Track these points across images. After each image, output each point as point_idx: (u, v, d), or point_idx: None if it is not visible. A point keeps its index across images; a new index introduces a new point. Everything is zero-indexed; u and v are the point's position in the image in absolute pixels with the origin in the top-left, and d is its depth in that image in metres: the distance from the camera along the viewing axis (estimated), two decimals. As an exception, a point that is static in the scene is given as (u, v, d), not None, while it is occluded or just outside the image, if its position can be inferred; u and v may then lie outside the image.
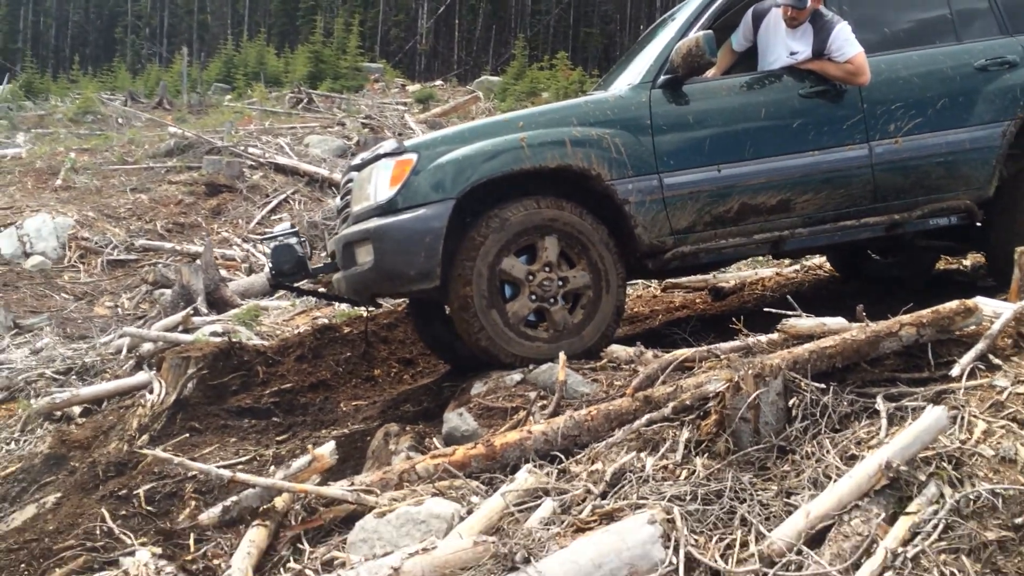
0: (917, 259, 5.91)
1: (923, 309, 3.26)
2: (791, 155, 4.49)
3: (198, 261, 7.95)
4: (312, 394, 5.07)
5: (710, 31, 4.39)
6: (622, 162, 4.31)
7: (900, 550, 2.44)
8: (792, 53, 4.63)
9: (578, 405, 3.52)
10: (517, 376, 3.93)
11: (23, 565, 3.60)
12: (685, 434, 3.14)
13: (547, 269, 4.24)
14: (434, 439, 3.77)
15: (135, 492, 3.96)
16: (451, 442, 3.66)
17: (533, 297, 4.22)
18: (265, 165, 13.02)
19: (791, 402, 3.08)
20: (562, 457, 3.25)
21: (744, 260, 4.73)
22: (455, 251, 4.15)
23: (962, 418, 2.85)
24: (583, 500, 2.90)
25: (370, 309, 5.54)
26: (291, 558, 3.03)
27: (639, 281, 6.43)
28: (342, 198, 4.79)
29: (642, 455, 3.08)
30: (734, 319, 3.67)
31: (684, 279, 6.28)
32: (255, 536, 3.10)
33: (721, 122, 4.49)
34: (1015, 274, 3.81)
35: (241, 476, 3.23)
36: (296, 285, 4.94)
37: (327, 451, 3.40)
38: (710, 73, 4.87)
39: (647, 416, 3.21)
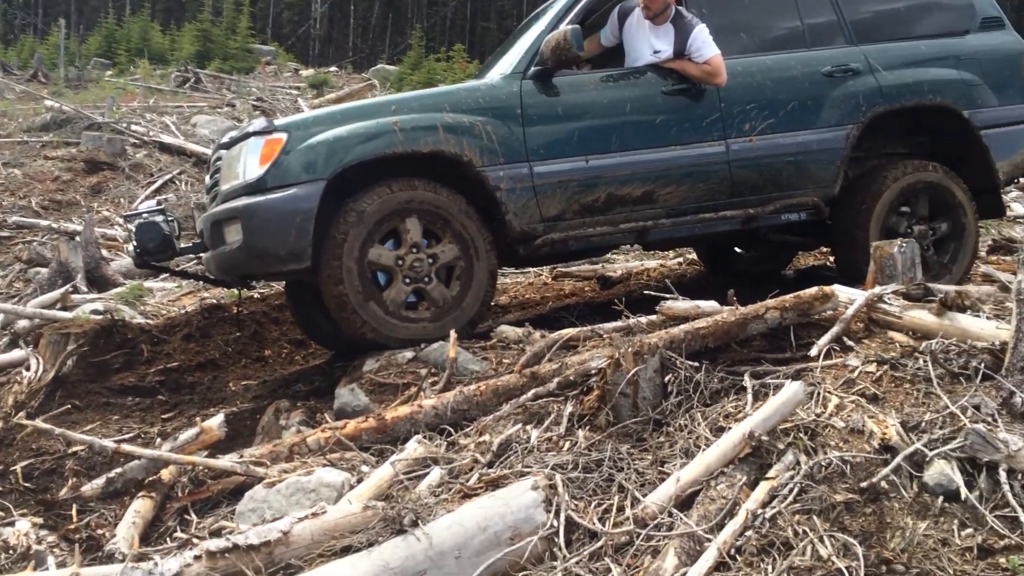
0: (775, 253, 6.28)
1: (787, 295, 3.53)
2: (654, 149, 4.68)
3: (77, 238, 7.67)
4: (200, 373, 5.00)
5: (578, 26, 4.53)
6: (493, 149, 4.40)
7: (759, 511, 2.66)
8: (655, 51, 4.83)
9: (468, 381, 3.64)
10: (409, 353, 4.02)
11: None
12: (569, 408, 3.31)
13: (415, 250, 4.28)
14: (325, 415, 3.82)
15: (12, 468, 3.85)
16: (342, 417, 3.71)
17: (407, 280, 4.27)
18: (150, 144, 12.58)
19: (667, 378, 3.28)
20: (451, 430, 3.36)
21: (612, 249, 4.99)
22: (321, 249, 4.15)
23: (818, 394, 3.11)
24: (470, 469, 3.02)
25: (253, 288, 5.49)
26: (178, 528, 3.04)
27: (531, 269, 6.60)
28: (211, 176, 4.74)
29: (528, 427, 3.22)
30: (616, 302, 3.86)
31: (574, 268, 6.49)
32: (140, 507, 3.09)
33: (589, 114, 4.64)
34: (871, 266, 4.13)
35: (126, 447, 3.21)
36: (163, 264, 4.87)
37: (215, 424, 3.40)
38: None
39: (533, 391, 3.36)
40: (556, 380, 3.36)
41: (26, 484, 3.76)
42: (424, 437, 3.23)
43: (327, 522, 2.63)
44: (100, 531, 2.97)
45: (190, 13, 32.72)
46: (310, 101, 17.17)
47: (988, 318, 3.38)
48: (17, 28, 36.79)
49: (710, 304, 3.65)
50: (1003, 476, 2.64)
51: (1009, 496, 2.60)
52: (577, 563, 2.57)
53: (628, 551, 2.64)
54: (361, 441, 3.37)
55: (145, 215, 4.60)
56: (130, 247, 4.63)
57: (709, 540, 2.59)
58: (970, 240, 5.15)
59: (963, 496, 2.62)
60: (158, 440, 3.47)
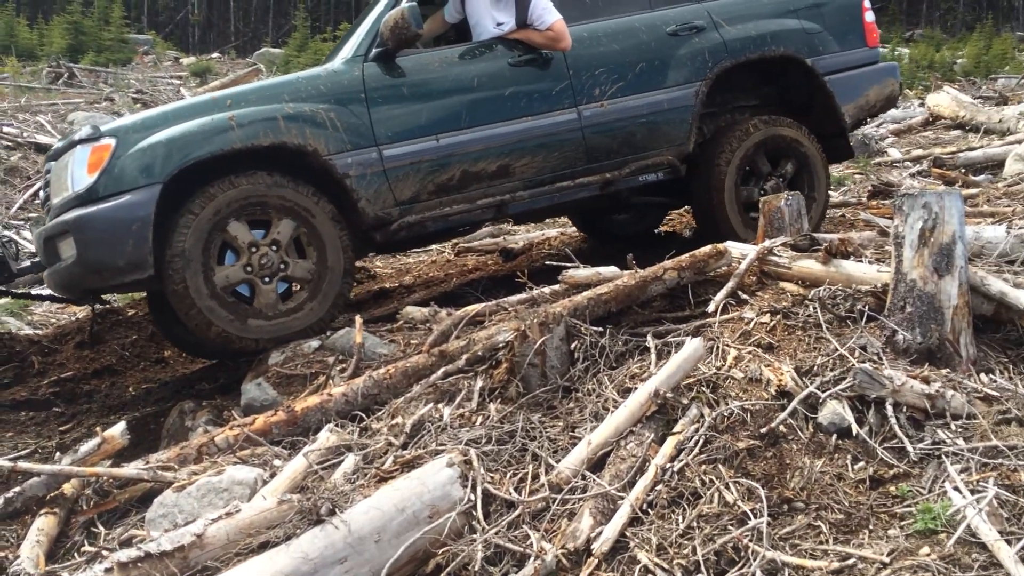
0: (647, 214, 6.41)
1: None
2: (506, 122, 4.65)
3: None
4: (97, 381, 4.83)
5: (415, 3, 4.44)
6: (339, 137, 4.30)
7: (668, 465, 2.76)
8: (498, 24, 4.81)
9: (377, 365, 3.62)
10: (315, 343, 3.97)
11: None
12: (479, 383, 3.34)
13: (254, 249, 4.12)
14: (233, 412, 3.74)
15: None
16: (251, 412, 3.64)
17: (266, 279, 4.13)
18: (24, 145, 11.94)
19: (573, 346, 3.34)
20: (363, 416, 3.35)
21: (473, 226, 5.02)
22: (163, 260, 3.98)
23: (717, 347, 3.23)
24: (385, 452, 3.02)
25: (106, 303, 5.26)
26: (85, 542, 2.94)
27: (433, 247, 6.58)
28: (43, 190, 4.53)
29: (439, 406, 3.24)
30: (519, 274, 3.89)
31: (476, 243, 6.50)
32: (43, 524, 2.98)
33: (436, 93, 4.58)
34: (760, 221, 4.28)
35: (23, 465, 3.08)
36: (2, 287, 4.67)
37: (117, 432, 3.29)
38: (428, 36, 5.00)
39: (443, 369, 3.37)
40: (464, 357, 3.38)
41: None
42: (336, 425, 3.21)
43: (242, 520, 2.59)
44: (2, 553, 2.84)
45: (58, 5, 31.05)
46: (194, 90, 16.57)
47: (870, 263, 3.55)
48: None
49: (610, 270, 3.72)
50: (890, 410, 2.80)
51: (896, 428, 2.75)
52: (496, 533, 2.62)
53: (545, 516, 2.70)
54: (272, 435, 3.32)
55: None
56: None
57: (622, 498, 2.67)
58: (822, 193, 5.36)
59: (854, 432, 2.77)
60: (57, 454, 3.33)
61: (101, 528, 2.99)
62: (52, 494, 3.12)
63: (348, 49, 4.65)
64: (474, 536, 2.63)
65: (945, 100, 11.25)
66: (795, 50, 5.26)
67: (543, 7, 4.72)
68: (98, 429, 3.31)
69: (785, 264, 3.54)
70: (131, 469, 3.13)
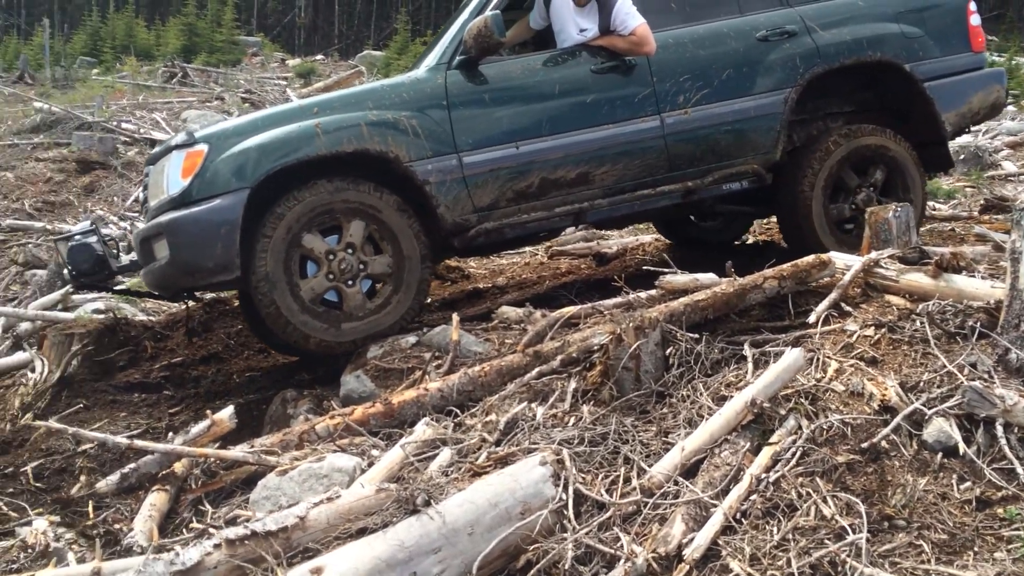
0: (730, 223, 6.28)
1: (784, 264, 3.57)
2: (587, 130, 4.63)
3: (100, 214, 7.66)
4: (204, 367, 5.04)
5: (498, 11, 4.47)
6: (420, 144, 4.36)
7: (763, 476, 2.72)
8: (582, 31, 4.79)
9: (472, 363, 3.68)
10: (412, 338, 4.06)
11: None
12: (572, 384, 3.36)
13: (350, 251, 4.26)
14: (332, 402, 3.86)
15: (22, 469, 3.90)
16: (349, 403, 3.76)
17: (331, 277, 4.24)
18: (140, 141, 12.54)
19: (668, 351, 3.33)
20: (458, 411, 3.41)
21: (551, 233, 5.03)
22: (249, 257, 4.11)
23: (818, 359, 3.17)
24: (479, 448, 3.07)
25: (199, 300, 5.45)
26: (193, 519, 3.09)
27: (527, 249, 6.64)
28: (142, 192, 4.72)
29: (533, 405, 3.27)
30: (616, 278, 3.89)
31: (569, 246, 6.52)
32: (155, 500, 3.14)
33: (517, 100, 4.59)
34: (865, 232, 4.18)
35: (139, 443, 3.25)
36: (101, 284, 4.86)
37: (226, 415, 3.45)
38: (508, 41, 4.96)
39: (537, 369, 3.40)
40: (559, 358, 3.40)
41: (37, 484, 3.82)
42: (432, 419, 3.28)
43: (342, 506, 2.67)
44: (117, 526, 3.02)
45: (174, 8, 32.53)
46: (298, 91, 17.11)
47: (983, 278, 3.43)
48: (0, 30, 36.55)
49: (708, 276, 3.69)
50: (1000, 431, 2.70)
51: (1006, 449, 2.65)
52: (587, 533, 2.63)
53: (636, 520, 2.70)
54: (369, 426, 3.42)
55: (78, 237, 4.61)
56: (65, 270, 4.64)
57: (715, 505, 2.65)
58: (918, 198, 5.13)
59: (961, 451, 2.68)
60: (169, 434, 3.51)
61: (208, 507, 3.13)
62: (164, 472, 3.29)
63: (432, 57, 4.71)
64: (564, 535, 2.65)
65: (1067, 112, 10.70)
66: (893, 55, 5.09)
67: (626, 12, 4.68)
68: (208, 412, 3.46)
69: (892, 277, 3.45)
70: (237, 452, 3.27)
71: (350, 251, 4.27)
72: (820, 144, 5.02)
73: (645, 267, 3.90)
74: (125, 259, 5.03)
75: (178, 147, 4.24)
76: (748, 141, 4.90)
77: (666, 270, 3.77)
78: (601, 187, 4.69)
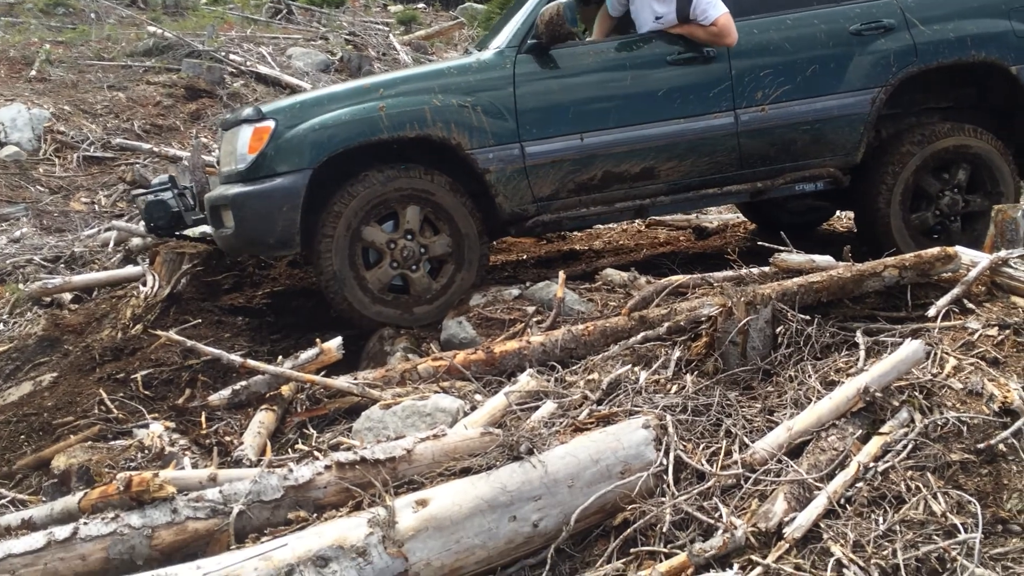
0: (814, 211, 6.06)
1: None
2: (656, 123, 4.47)
3: (184, 161, 7.91)
4: (303, 299, 5.16)
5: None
6: (483, 131, 4.29)
7: (872, 464, 2.67)
8: (657, 17, 4.59)
9: (574, 321, 3.70)
10: (515, 291, 4.10)
11: (23, 436, 3.73)
12: (676, 353, 3.35)
13: (409, 236, 4.29)
14: (431, 344, 3.92)
15: (132, 376, 4.08)
16: (449, 347, 3.82)
17: (395, 264, 4.29)
18: (246, 74, 12.80)
19: (778, 330, 3.28)
20: (558, 367, 3.44)
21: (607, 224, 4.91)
22: (312, 233, 4.18)
23: (935, 354, 3.08)
24: (580, 405, 3.10)
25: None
26: (298, 440, 3.20)
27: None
28: (217, 154, 4.81)
29: (636, 369, 3.28)
30: (728, 251, 3.84)
31: (667, 217, 6.45)
32: (264, 418, 3.25)
33: (586, 90, 4.45)
34: (991, 230, 4.03)
35: (251, 362, 3.37)
36: (179, 234, 4.97)
37: (334, 345, 3.54)
38: (596, 36, 4.91)
39: (643, 334, 3.40)
40: (666, 324, 3.39)
41: (145, 392, 4.00)
42: (535, 372, 3.31)
43: (447, 444, 2.74)
44: (228, 438, 3.14)
45: (281, -56, 32.80)
46: (399, 37, 17.17)
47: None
48: (114, -46, 37.47)
49: (824, 259, 3.61)
50: None
51: None
52: (686, 500, 2.63)
53: (735, 493, 2.69)
54: (470, 372, 3.48)
55: (155, 192, 4.73)
56: (141, 223, 4.74)
57: (819, 488, 2.62)
58: (1010, 191, 4.82)
59: (1086, 464, 2.60)
60: (279, 357, 3.62)
61: (312, 431, 3.24)
62: (271, 393, 3.40)
63: (503, 38, 4.57)
64: (663, 499, 2.66)
65: None
66: (999, 55, 4.73)
67: (707, 1, 4.47)
68: (317, 340, 3.56)
69: (1020, 278, 3.32)
70: (343, 381, 3.36)
71: (409, 237, 4.29)
72: (893, 155, 4.74)
73: (760, 243, 3.83)
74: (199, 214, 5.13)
75: (247, 120, 4.29)
76: (827, 142, 4.66)
77: (781, 248, 3.70)
78: (666, 182, 4.55)
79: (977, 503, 2.48)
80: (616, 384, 3.17)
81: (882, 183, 4.76)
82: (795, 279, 3.43)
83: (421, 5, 26.97)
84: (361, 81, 4.62)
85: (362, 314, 4.22)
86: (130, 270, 5.41)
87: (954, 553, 2.33)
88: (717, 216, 6.62)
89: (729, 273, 3.72)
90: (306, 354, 3.51)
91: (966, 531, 2.39)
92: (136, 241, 5.79)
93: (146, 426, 3.21)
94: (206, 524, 2.40)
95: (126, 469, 2.83)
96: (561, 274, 3.89)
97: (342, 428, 3.25)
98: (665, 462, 2.76)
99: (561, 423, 2.95)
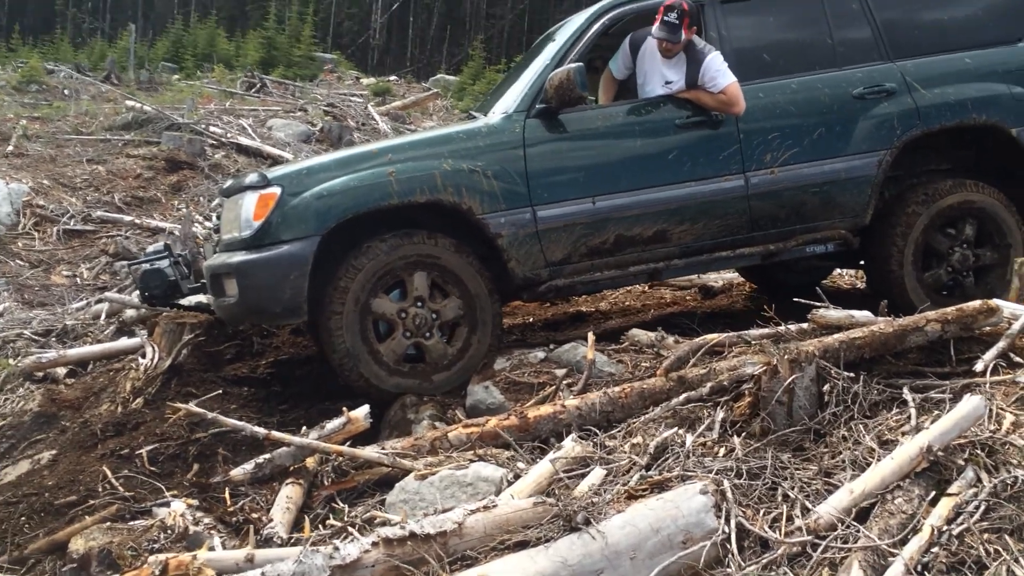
0: (814, 270, 6.04)
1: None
2: (667, 186, 4.44)
3: (175, 231, 7.76)
4: (309, 367, 5.00)
5: (581, 64, 4.33)
6: (494, 195, 4.22)
7: (945, 528, 2.55)
8: (667, 82, 4.59)
9: (608, 384, 3.57)
10: (540, 354, 3.98)
11: (23, 518, 3.50)
12: (720, 414, 3.23)
13: (419, 304, 4.19)
14: (456, 411, 3.77)
15: (137, 452, 3.87)
16: (475, 414, 3.67)
17: (408, 334, 4.17)
18: (227, 145, 12.74)
19: (824, 388, 3.18)
20: (596, 431, 3.30)
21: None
22: (320, 301, 4.06)
23: (991, 410, 2.99)
24: (628, 470, 2.95)
25: None
26: (328, 515, 3.01)
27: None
28: (215, 220, 4.68)
29: (681, 431, 3.15)
30: (765, 307, 3.76)
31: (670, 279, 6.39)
32: (291, 493, 3.07)
33: (597, 154, 4.42)
34: (1014, 283, 4.01)
35: (276, 434, 3.19)
36: (174, 304, 4.82)
37: (362, 414, 3.38)
38: (603, 100, 4.90)
39: (685, 395, 3.28)
40: (709, 384, 3.28)
41: (152, 468, 3.78)
42: (577, 436, 3.17)
43: (499, 515, 2.58)
44: (255, 515, 2.94)
45: (253, 21, 33.33)
46: (377, 108, 17.29)
47: None
48: (85, 32, 37.71)
49: (863, 314, 3.55)
50: None
51: None
52: (754, 571, 2.49)
53: (802, 562, 2.56)
54: (502, 439, 3.32)
55: (150, 260, 4.60)
56: (136, 293, 4.60)
57: (894, 555, 2.49)
58: (1017, 243, 4.82)
59: None
60: (304, 428, 3.44)
61: (342, 505, 3.05)
62: (296, 466, 3.22)
63: (510, 102, 4.54)
64: (728, 570, 2.52)
65: None
66: (1000, 118, 4.78)
67: (716, 68, 4.48)
68: (344, 409, 3.39)
69: (1064, 330, 3.27)
70: (373, 452, 3.20)
71: (419, 304, 4.17)
72: (900, 216, 4.74)
73: (796, 299, 3.76)
74: (195, 283, 4.91)
75: (251, 187, 4.18)
76: (836, 204, 4.65)
77: (818, 304, 3.63)
78: (678, 245, 4.51)
79: (1067, 565, 2.36)
80: (663, 447, 3.03)
81: (893, 245, 4.75)
82: (836, 335, 3.35)
83: (393, 77, 27.38)
84: (368, 146, 4.55)
85: (380, 388, 4.06)
86: (127, 342, 5.21)
87: (1052, 619, 2.20)
88: (719, 276, 6.57)
89: (766, 330, 3.64)
90: (332, 424, 3.34)
91: (1060, 595, 2.26)
92: (130, 312, 5.60)
93: (166, 504, 3.00)
94: (250, 610, 2.21)
95: (150, 551, 2.63)
96: (590, 335, 3.78)
97: (374, 501, 3.07)
98: (727, 530, 2.62)
99: (612, 490, 2.81)
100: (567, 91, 4.27)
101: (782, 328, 3.56)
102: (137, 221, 10.24)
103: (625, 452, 3.05)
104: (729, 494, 2.72)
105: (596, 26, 4.63)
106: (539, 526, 2.56)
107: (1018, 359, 3.23)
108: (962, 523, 2.56)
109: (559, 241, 4.34)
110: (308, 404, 4.52)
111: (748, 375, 3.26)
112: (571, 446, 3.05)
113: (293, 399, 4.62)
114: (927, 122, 4.74)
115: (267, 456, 3.22)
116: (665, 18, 4.44)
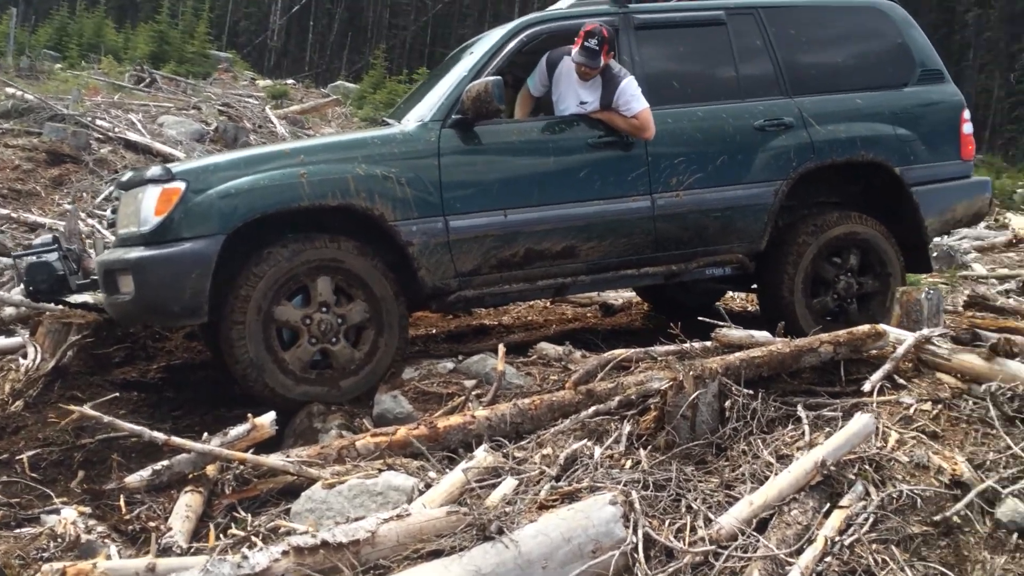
0: (709, 291, 6.26)
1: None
2: (577, 203, 4.52)
3: (58, 228, 7.36)
4: (204, 373, 4.84)
5: (499, 77, 4.38)
6: (407, 202, 4.19)
7: (837, 538, 2.69)
8: (582, 103, 4.68)
9: (516, 395, 3.60)
10: (449, 364, 3.98)
11: None
12: (627, 427, 3.30)
13: (324, 310, 4.10)
14: (364, 420, 3.72)
15: (18, 457, 3.66)
16: (383, 423, 3.64)
17: (313, 340, 4.08)
18: (115, 140, 12.19)
19: (726, 404, 3.30)
20: (506, 442, 3.32)
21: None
22: (222, 303, 3.94)
23: (877, 428, 3.17)
24: (538, 481, 2.98)
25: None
26: (230, 524, 2.91)
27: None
28: (112, 212, 4.52)
29: (589, 444, 3.20)
30: (671, 325, 3.87)
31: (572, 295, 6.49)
32: (190, 501, 2.97)
33: (510, 167, 4.48)
34: (896, 310, 4.24)
35: (176, 440, 3.07)
36: (60, 300, 4.61)
37: (267, 421, 3.29)
38: (519, 115, 5.00)
39: (594, 408, 3.34)
40: (617, 398, 3.35)
41: (32, 475, 3.59)
42: (489, 447, 3.18)
43: (412, 524, 2.56)
44: (152, 523, 2.82)
45: (144, 14, 32.13)
46: (275, 111, 16.91)
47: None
48: (-41, 13, 35.48)
49: (763, 334, 3.70)
50: (1074, 516, 2.72)
51: (1084, 535, 2.68)
52: (660, 580, 2.55)
53: (705, 571, 2.64)
54: (411, 448, 3.30)
55: (37, 252, 4.41)
56: (21, 285, 4.43)
57: (790, 563, 2.60)
58: (896, 273, 5.11)
59: (1039, 533, 2.70)
60: (205, 434, 3.32)
61: (244, 514, 2.97)
62: (196, 473, 3.11)
63: (425, 110, 4.54)
64: (636, 579, 2.57)
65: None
66: (885, 157, 5.08)
67: (631, 93, 4.59)
68: (249, 415, 3.30)
69: (944, 355, 3.50)
70: (278, 459, 3.12)
71: (324, 309, 4.08)
72: (791, 245, 4.95)
73: (700, 319, 3.88)
74: (84, 280, 4.69)
75: (154, 181, 3.99)
76: (735, 230, 4.84)
77: (720, 323, 3.76)
78: (585, 262, 4.58)
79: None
80: (573, 459, 3.08)
81: (784, 272, 4.95)
82: (737, 354, 3.48)
83: (291, 81, 26.86)
84: (280, 146, 4.47)
85: (286, 397, 3.94)
86: (6, 341, 4.90)
87: (937, 624, 2.34)
88: (618, 294, 6.72)
89: (672, 347, 3.75)
90: (236, 430, 3.23)
91: (943, 602, 2.42)
92: (9, 310, 5.27)
93: (56, 511, 2.84)
94: (152, 622, 2.12)
95: (40, 560, 2.48)
96: (501, 347, 3.81)
97: (278, 511, 2.99)
98: (635, 539, 2.68)
99: (524, 500, 2.83)
100: (484, 103, 4.28)
101: (687, 345, 3.67)
102: (14, 215, 9.66)
103: (535, 463, 3.08)
104: (637, 505, 2.79)
105: (514, 42, 4.68)
106: (452, 535, 2.56)
107: (901, 380, 3.44)
108: (853, 534, 2.71)
109: (470, 252, 4.34)
110: (203, 410, 4.38)
111: (654, 390, 3.34)
112: (483, 456, 3.06)
113: (187, 405, 4.46)
114: (820, 156, 4.98)
115: (165, 463, 3.09)
116: (586, 43, 4.52)
